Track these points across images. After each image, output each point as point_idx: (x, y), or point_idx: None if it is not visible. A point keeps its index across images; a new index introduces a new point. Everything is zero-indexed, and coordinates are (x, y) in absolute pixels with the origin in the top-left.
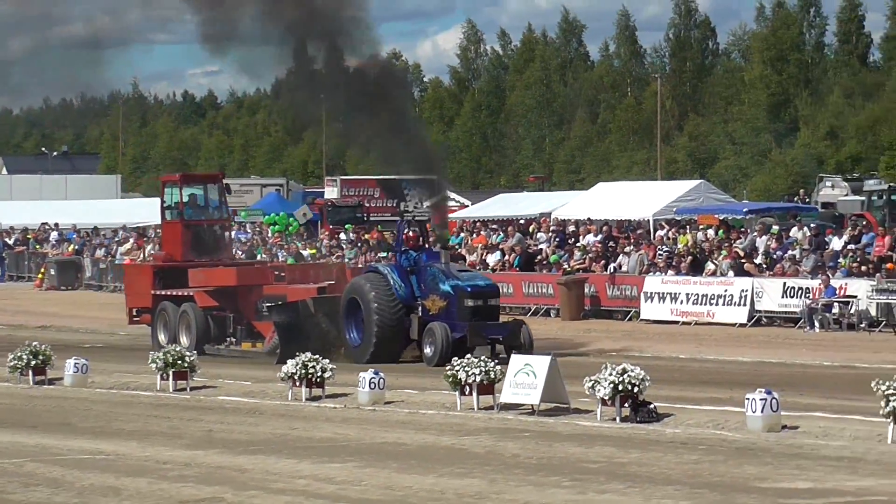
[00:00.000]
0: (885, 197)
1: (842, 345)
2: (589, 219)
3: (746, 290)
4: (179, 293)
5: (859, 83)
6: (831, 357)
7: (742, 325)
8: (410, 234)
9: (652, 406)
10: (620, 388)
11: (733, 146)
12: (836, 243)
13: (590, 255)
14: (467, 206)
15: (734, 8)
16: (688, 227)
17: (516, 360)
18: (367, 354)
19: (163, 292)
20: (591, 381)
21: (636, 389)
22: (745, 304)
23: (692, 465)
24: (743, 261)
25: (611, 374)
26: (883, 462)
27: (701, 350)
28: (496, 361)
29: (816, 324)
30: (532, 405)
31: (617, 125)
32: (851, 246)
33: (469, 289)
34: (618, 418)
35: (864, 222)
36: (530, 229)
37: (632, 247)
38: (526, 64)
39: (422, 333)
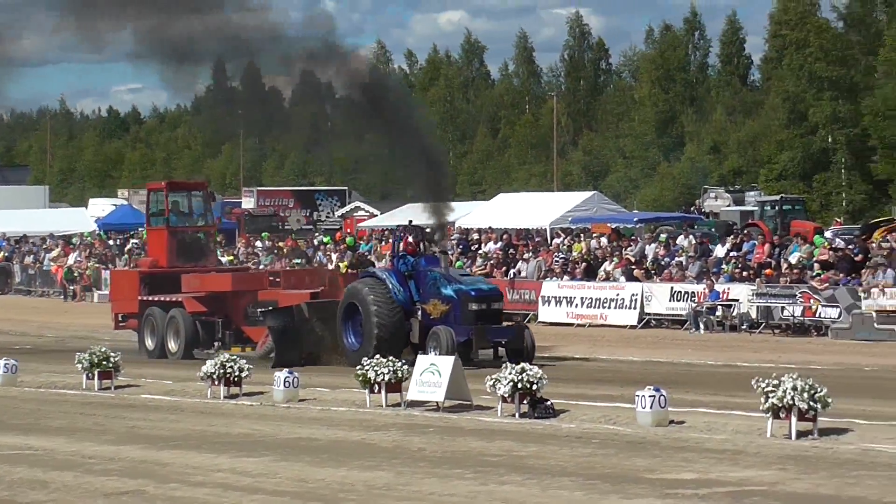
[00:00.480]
0: (776, 207)
1: (724, 345)
2: (490, 227)
3: (636, 295)
4: (168, 299)
5: (740, 101)
6: (715, 357)
7: (633, 327)
8: (411, 240)
9: (549, 403)
10: (519, 386)
11: (624, 160)
12: (720, 251)
13: (491, 261)
14: (377, 215)
15: (625, 30)
16: (582, 235)
17: (422, 360)
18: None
19: (150, 298)
20: (492, 379)
21: (534, 387)
22: (635, 308)
23: (586, 457)
24: (633, 267)
25: (510, 374)
26: (762, 454)
27: (594, 350)
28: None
29: (701, 326)
30: (437, 402)
31: (516, 140)
32: (734, 253)
33: (473, 293)
34: (517, 414)
35: (759, 231)
36: (436, 237)
37: (530, 254)
38: (431, 82)
39: (423, 337)
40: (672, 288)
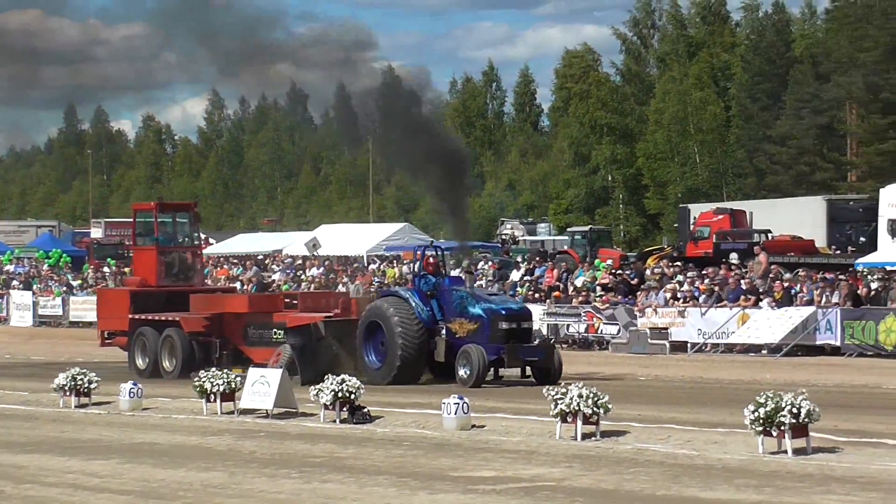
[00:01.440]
0: (586, 237)
1: None
2: (314, 255)
3: None
4: (162, 318)
5: (532, 145)
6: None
7: None
8: (431, 259)
9: (366, 410)
10: (340, 395)
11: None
12: (515, 275)
13: (314, 285)
14: (213, 243)
15: (433, 81)
16: (395, 261)
17: (253, 372)
18: (390, 377)
19: (142, 316)
20: (316, 389)
21: (353, 396)
22: None
23: (398, 458)
24: None
25: (332, 384)
26: (552, 454)
27: None
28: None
29: None
30: (267, 410)
31: (336, 178)
32: (527, 277)
33: (504, 311)
34: (337, 420)
35: (570, 257)
36: (265, 263)
37: (348, 278)
38: (261, 126)
39: (449, 356)
40: None
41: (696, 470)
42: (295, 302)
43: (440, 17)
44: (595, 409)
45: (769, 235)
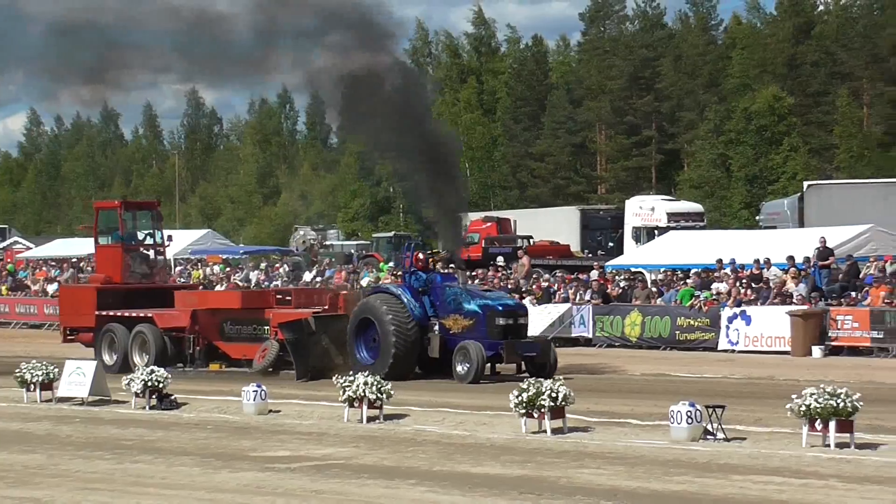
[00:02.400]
0: (391, 241)
1: None
2: None
3: None
4: (133, 314)
5: (322, 160)
6: None
7: None
8: (420, 256)
9: (173, 397)
10: (149, 384)
11: (232, 204)
12: (308, 276)
13: None
14: (31, 248)
15: (232, 103)
16: (199, 263)
17: (70, 364)
18: (382, 373)
19: (112, 313)
20: (127, 379)
21: (161, 385)
22: None
23: (202, 440)
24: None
25: (142, 374)
26: (341, 435)
27: None
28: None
29: None
30: (82, 398)
31: (145, 188)
32: (318, 278)
33: (500, 307)
34: (147, 407)
35: (375, 260)
36: (81, 265)
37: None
38: (77, 141)
39: (444, 352)
40: None
41: (467, 448)
42: (288, 298)
43: None
44: (379, 394)
45: (531, 241)
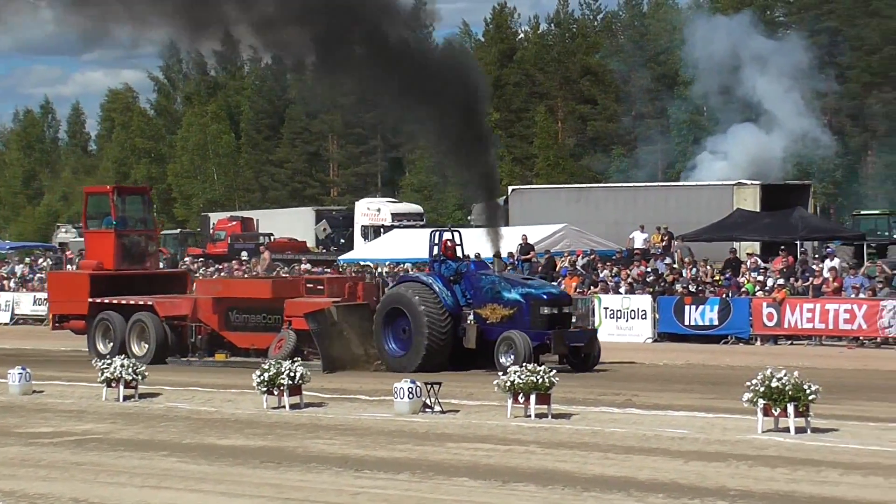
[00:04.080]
0: (177, 238)
1: None
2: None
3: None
4: (132, 301)
5: (82, 164)
6: None
7: None
8: (448, 244)
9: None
10: None
11: None
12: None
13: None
14: None
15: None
16: None
17: None
18: (416, 365)
19: (108, 300)
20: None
21: None
22: None
23: None
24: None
25: None
26: (100, 413)
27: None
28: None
29: None
30: None
31: None
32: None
33: (545, 296)
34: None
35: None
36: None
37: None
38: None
39: (480, 342)
40: (35, 296)
41: (214, 423)
42: (321, 287)
43: (2, 60)
44: (135, 376)
45: (272, 237)
